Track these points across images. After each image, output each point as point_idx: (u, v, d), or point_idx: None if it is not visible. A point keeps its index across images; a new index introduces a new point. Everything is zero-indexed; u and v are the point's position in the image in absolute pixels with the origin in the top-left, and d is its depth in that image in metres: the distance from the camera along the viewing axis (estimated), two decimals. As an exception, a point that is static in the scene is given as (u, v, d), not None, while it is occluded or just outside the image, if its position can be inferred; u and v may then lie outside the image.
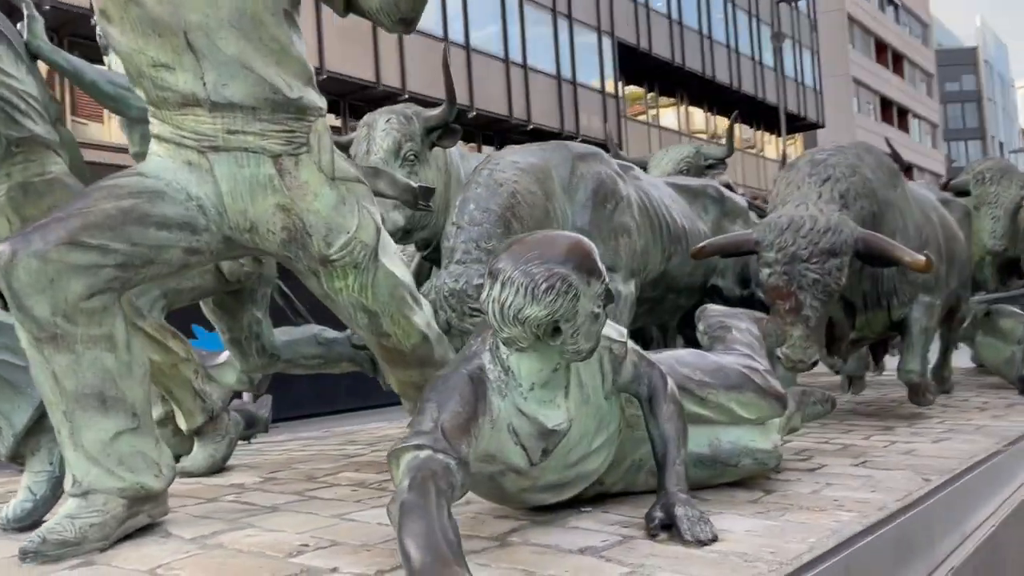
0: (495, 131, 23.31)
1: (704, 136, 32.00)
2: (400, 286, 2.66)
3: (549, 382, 2.16)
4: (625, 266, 4.16)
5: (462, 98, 22.29)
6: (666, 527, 2.18)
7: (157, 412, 3.66)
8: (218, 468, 3.60)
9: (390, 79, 20.58)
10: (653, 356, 2.74)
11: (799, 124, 36.68)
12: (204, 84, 2.30)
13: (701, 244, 4.14)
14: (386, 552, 2.05)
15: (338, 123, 19.75)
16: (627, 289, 4.12)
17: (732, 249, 4.08)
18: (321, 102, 2.50)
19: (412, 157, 4.34)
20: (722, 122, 34.04)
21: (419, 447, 1.84)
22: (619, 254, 4.13)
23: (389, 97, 19.04)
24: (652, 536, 2.17)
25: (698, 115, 33.48)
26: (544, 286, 1.97)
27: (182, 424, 3.59)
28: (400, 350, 2.74)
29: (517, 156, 4.07)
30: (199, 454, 3.59)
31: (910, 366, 4.47)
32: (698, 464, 2.73)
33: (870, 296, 4.45)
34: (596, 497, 2.63)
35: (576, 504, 2.56)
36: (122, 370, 2.30)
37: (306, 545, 2.13)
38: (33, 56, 3.24)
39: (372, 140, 4.36)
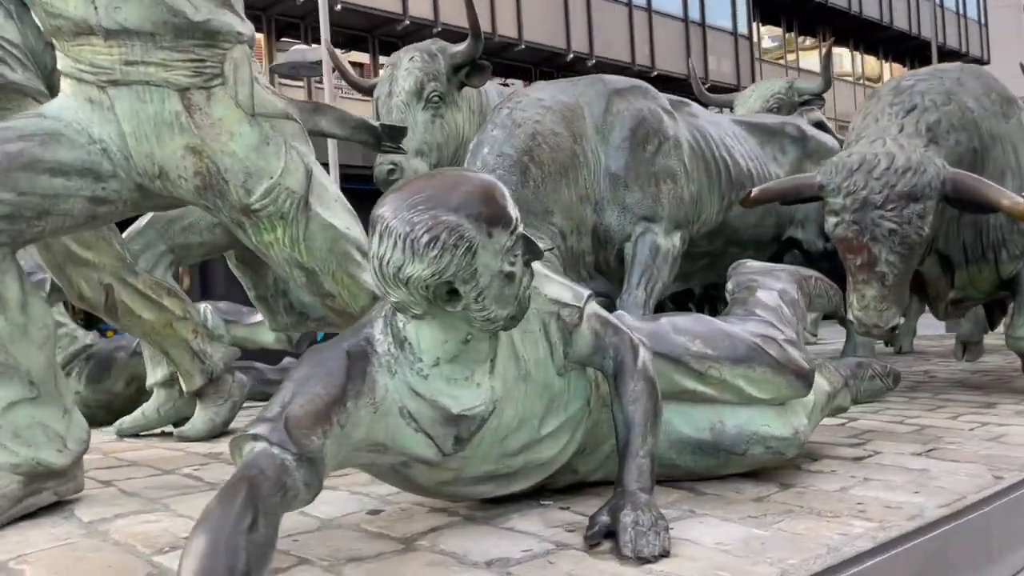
0: (617, 79, 22.44)
1: (850, 80, 29.84)
2: (342, 239, 2.31)
3: (460, 356, 1.77)
4: (667, 216, 3.66)
5: (581, 45, 21.59)
6: (610, 534, 1.76)
7: (162, 373, 3.51)
8: (218, 432, 3.41)
9: (420, 10, 18.43)
10: (641, 322, 2.29)
11: (962, 61, 33.58)
12: (95, 8, 2.00)
13: (753, 190, 3.57)
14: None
15: (366, 60, 18.43)
16: (668, 242, 3.63)
17: (791, 194, 3.49)
18: (242, 27, 2.17)
19: (436, 99, 3.97)
20: (871, 64, 31.65)
21: (256, 437, 1.50)
22: (660, 202, 3.63)
23: (419, 31, 17.05)
24: (591, 545, 1.76)
25: (844, 56, 31.20)
26: (426, 238, 1.58)
27: (183, 386, 3.42)
28: (348, 312, 2.41)
29: (544, 92, 3.63)
30: (198, 418, 3.41)
31: (1019, 332, 3.75)
32: (697, 451, 2.27)
33: (972, 249, 3.74)
34: (571, 487, 2.23)
35: (539, 495, 2.18)
36: (14, 334, 2.08)
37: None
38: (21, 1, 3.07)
39: (394, 81, 4.02)
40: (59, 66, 2.16)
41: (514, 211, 1.68)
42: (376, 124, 2.65)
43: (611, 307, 3.68)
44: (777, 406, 2.32)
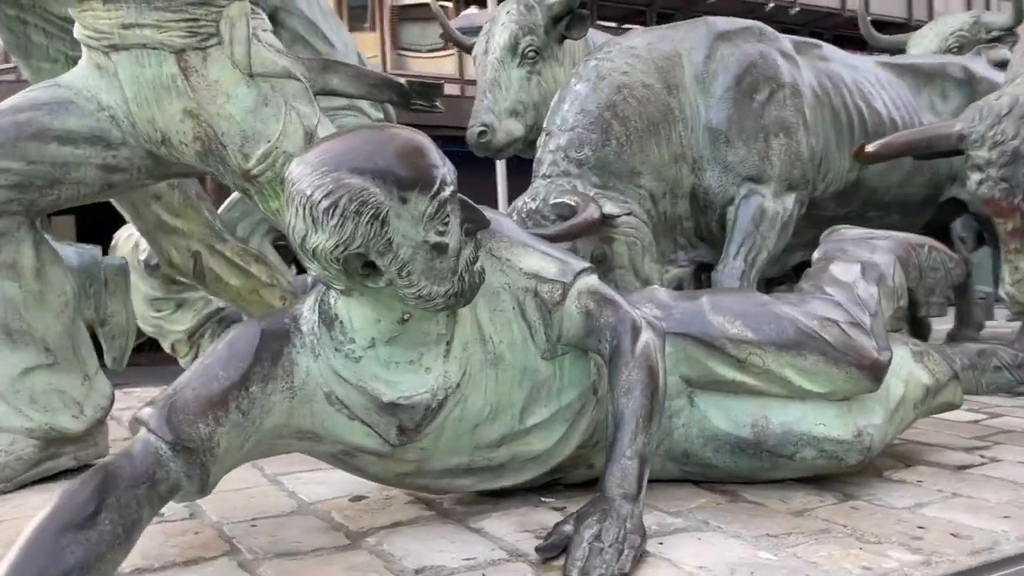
0: (824, 28, 20.78)
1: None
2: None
3: (399, 338, 1.57)
4: (778, 175, 3.23)
5: (780, -8, 20.10)
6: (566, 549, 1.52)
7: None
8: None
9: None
10: (677, 299, 1.99)
11: None
12: None
13: (872, 144, 3.05)
14: (224, 535, 1.67)
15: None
16: (777, 205, 3.20)
17: (922, 147, 2.95)
18: None
19: (532, 54, 3.73)
20: None
21: (138, 421, 1.40)
22: (769, 159, 3.21)
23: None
24: (544, 560, 1.52)
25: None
26: (324, 204, 1.39)
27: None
28: None
29: (638, 40, 3.30)
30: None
31: None
32: (736, 451, 1.95)
33: None
34: (590, 483, 1.98)
35: (547, 490, 1.95)
36: (29, 301, 2.12)
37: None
38: None
39: (490, 37, 3.82)
40: (74, 34, 2.17)
41: (440, 172, 1.45)
42: (403, 81, 2.47)
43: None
44: (839, 402, 1.94)
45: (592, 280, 1.77)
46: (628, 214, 2.96)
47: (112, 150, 2.13)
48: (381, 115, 3.87)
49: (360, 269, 1.45)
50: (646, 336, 1.72)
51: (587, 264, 1.80)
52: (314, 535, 1.68)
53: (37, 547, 1.18)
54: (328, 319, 1.56)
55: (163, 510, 1.74)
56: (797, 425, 1.92)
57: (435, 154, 1.46)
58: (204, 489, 1.43)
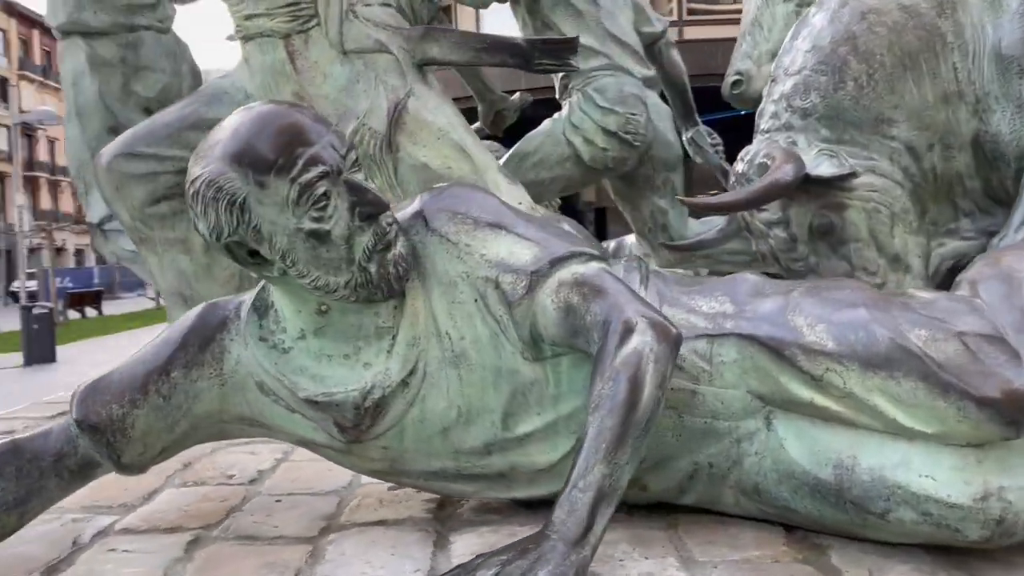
0: None
1: None
2: (441, 180, 2.07)
3: (327, 329, 1.46)
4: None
5: None
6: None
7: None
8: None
9: None
10: (757, 291, 1.57)
11: None
12: None
13: None
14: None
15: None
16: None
17: None
18: None
19: None
20: None
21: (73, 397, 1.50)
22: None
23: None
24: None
25: None
26: (190, 191, 1.35)
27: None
28: None
29: (905, -50, 2.60)
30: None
31: None
32: (816, 495, 1.49)
33: None
34: (655, 507, 1.67)
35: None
36: (199, 272, 2.41)
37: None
38: None
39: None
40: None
41: (304, 152, 1.30)
42: (521, 41, 2.22)
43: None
44: (962, 447, 1.35)
45: (581, 268, 1.45)
46: (851, 174, 2.36)
47: None
48: (650, 71, 3.60)
49: (248, 258, 1.38)
50: (638, 341, 1.35)
51: (579, 249, 1.48)
52: (297, 523, 1.65)
53: None
54: (263, 307, 1.51)
55: (232, 471, 1.88)
56: (893, 473, 1.38)
57: (305, 133, 1.32)
58: (122, 465, 1.49)
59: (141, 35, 3.00)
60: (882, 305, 1.44)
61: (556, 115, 3.55)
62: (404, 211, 1.52)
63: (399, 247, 1.39)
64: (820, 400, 1.44)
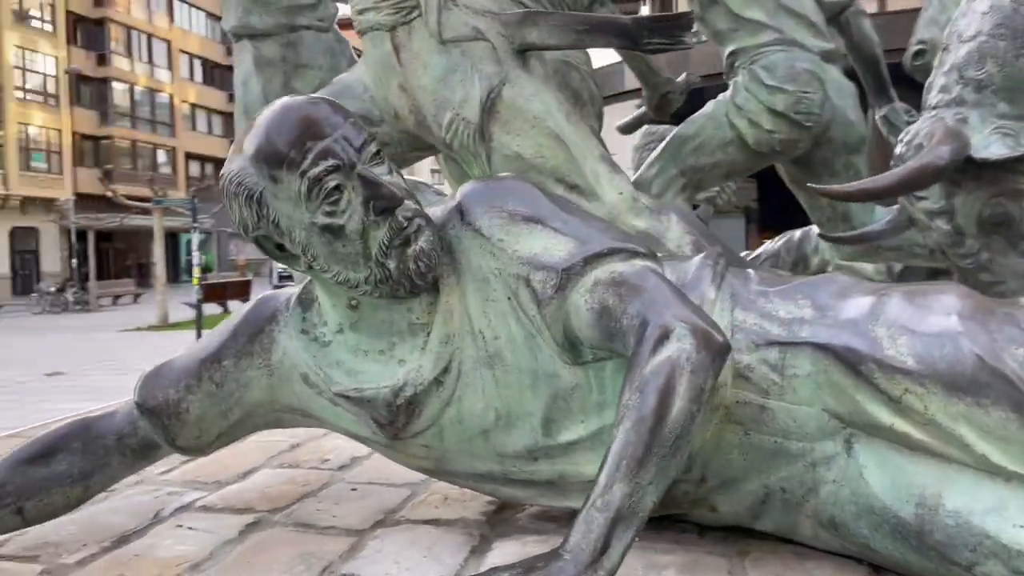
0: None
1: None
2: (532, 172, 1.99)
3: (361, 324, 1.43)
4: None
5: None
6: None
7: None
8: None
9: None
10: (845, 292, 1.38)
11: None
12: None
13: None
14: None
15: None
16: None
17: None
18: None
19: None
20: None
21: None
22: None
23: None
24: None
25: None
26: (221, 186, 1.37)
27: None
28: None
29: None
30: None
31: None
32: (896, 535, 1.29)
33: None
34: (731, 531, 1.52)
35: (653, 527, 1.54)
36: None
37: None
38: None
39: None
40: None
41: (313, 146, 1.28)
42: (627, 20, 2.04)
43: None
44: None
45: (620, 266, 1.33)
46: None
47: (375, 127, 2.34)
48: (829, 44, 3.28)
49: (277, 251, 1.39)
50: (673, 348, 1.21)
51: (620, 245, 1.36)
52: (356, 515, 1.66)
53: None
54: (308, 300, 1.52)
55: (329, 456, 1.93)
56: (982, 519, 1.16)
57: (317, 126, 1.29)
58: (178, 447, 1.56)
59: (301, 34, 3.15)
60: (980, 315, 1.20)
61: (720, 96, 3.33)
62: (446, 204, 1.47)
63: (421, 242, 1.34)
64: (901, 425, 1.22)
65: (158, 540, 1.55)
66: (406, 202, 1.33)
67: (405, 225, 1.33)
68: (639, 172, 3.41)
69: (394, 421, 1.45)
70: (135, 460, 1.60)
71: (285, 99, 1.38)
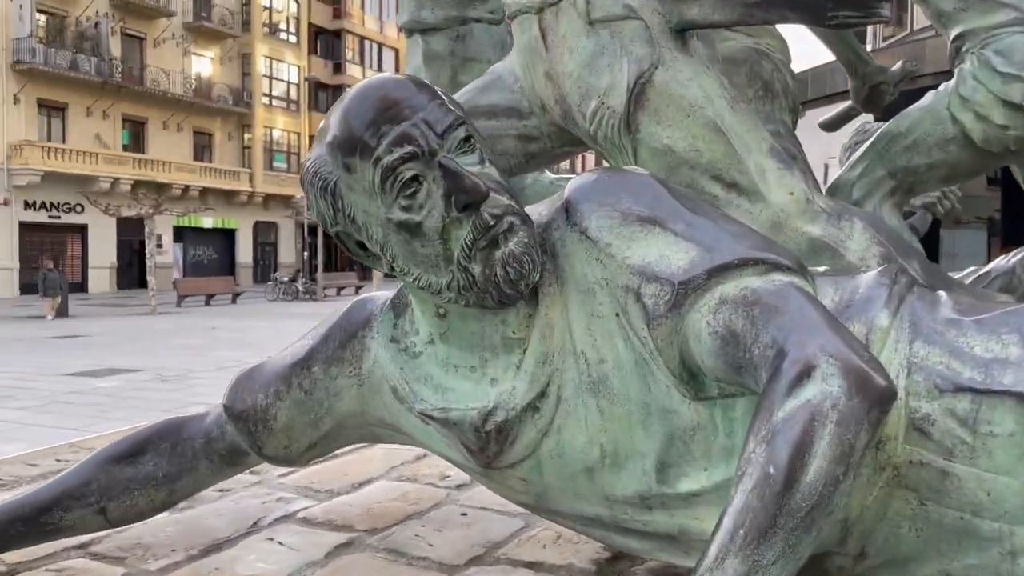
0: None
1: None
2: (684, 167, 1.74)
3: (450, 335, 1.25)
4: None
5: None
6: None
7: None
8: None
9: None
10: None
11: None
12: None
13: None
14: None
15: None
16: None
17: None
18: None
19: None
20: None
21: None
22: None
23: None
24: None
25: None
26: (301, 176, 1.23)
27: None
28: None
29: None
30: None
31: None
32: None
33: None
34: None
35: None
36: None
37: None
38: None
39: None
40: None
41: (388, 131, 1.10)
42: None
43: None
44: None
45: (755, 281, 1.05)
46: None
47: (524, 120, 2.18)
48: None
49: (359, 250, 1.24)
50: (815, 390, 0.93)
51: (757, 255, 1.08)
52: (455, 545, 1.49)
53: (79, 468, 1.46)
54: (400, 305, 1.36)
55: (451, 472, 1.81)
56: None
57: (396, 107, 1.12)
58: (265, 456, 1.44)
59: (471, 27, 3.05)
60: None
61: (941, 86, 2.87)
62: (552, 200, 1.26)
63: (511, 244, 1.14)
64: None
65: (244, 553, 1.46)
66: (493, 196, 1.13)
67: (492, 224, 1.13)
68: (839, 173, 3.02)
69: (484, 448, 1.26)
70: (223, 466, 1.51)
71: (370, 78, 1.22)
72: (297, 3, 34.18)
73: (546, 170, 3.16)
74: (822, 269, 1.36)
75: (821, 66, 10.55)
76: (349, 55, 35.80)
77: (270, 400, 1.41)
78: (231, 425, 1.45)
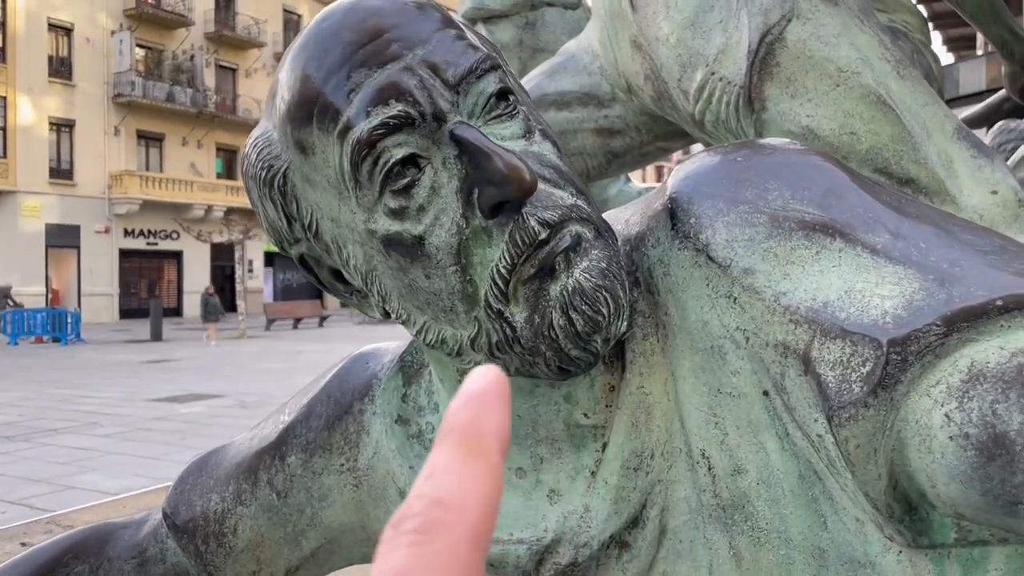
0: None
1: None
2: (836, 156, 1.22)
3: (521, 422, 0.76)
4: None
5: None
6: None
7: None
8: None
9: None
10: None
11: None
12: None
13: None
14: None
15: None
16: None
17: None
18: None
19: None
20: None
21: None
22: None
23: None
24: None
25: None
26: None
27: None
28: None
29: None
30: None
31: None
32: None
33: None
34: None
35: None
36: None
37: None
38: None
39: None
40: None
41: (378, 77, 0.63)
42: None
43: None
44: None
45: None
46: None
47: (603, 109, 1.73)
48: None
49: (335, 282, 0.77)
50: None
51: (986, 294, 0.57)
52: None
53: None
54: (412, 367, 0.88)
55: None
56: None
57: (376, 39, 0.65)
58: None
59: (543, 12, 2.61)
60: None
61: None
62: (645, 202, 0.77)
63: (579, 273, 0.65)
64: None
65: None
66: (546, 189, 0.66)
67: (543, 237, 0.65)
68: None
69: (548, 603, 0.78)
70: None
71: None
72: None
73: (631, 178, 2.65)
74: None
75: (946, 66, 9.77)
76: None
77: (228, 505, 0.94)
78: (171, 541, 0.99)
